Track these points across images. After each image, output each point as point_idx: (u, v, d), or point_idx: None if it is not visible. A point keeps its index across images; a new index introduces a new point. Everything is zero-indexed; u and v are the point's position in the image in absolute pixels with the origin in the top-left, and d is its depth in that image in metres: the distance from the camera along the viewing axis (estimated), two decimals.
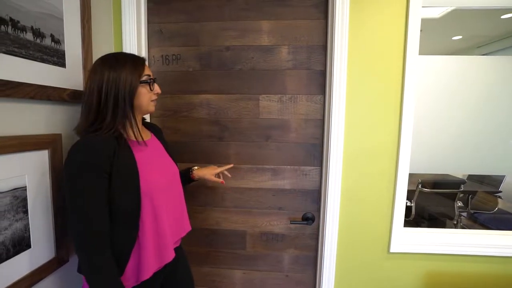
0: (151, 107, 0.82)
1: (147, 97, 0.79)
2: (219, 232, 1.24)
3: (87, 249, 0.66)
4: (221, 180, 1.08)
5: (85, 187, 0.66)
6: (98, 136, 0.71)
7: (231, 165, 1.14)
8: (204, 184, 1.21)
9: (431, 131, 1.20)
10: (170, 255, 0.81)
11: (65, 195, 0.68)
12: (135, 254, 0.74)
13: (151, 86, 0.80)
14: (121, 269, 0.72)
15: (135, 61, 0.77)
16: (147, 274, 0.74)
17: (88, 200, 0.66)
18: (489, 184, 2.40)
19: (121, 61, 0.75)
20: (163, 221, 0.78)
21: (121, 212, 0.71)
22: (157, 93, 0.83)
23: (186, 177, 1.04)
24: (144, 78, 0.78)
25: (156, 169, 0.81)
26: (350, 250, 1.14)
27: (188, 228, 0.94)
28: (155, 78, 0.82)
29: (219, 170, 1.09)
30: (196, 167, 1.07)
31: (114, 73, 0.73)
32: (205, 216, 1.24)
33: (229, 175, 1.13)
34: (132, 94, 0.75)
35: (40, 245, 0.79)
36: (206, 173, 1.06)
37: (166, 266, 0.82)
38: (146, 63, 0.81)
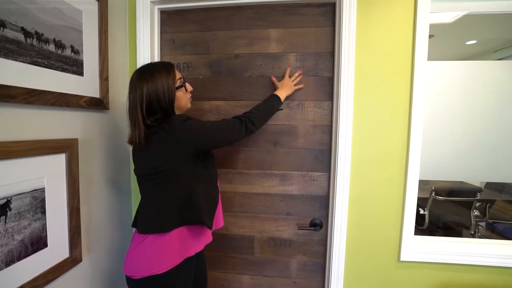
0: (188, 104, 0.95)
1: (184, 98, 0.91)
2: (227, 236, 1.26)
3: (244, 124, 0.91)
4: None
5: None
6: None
7: None
8: None
9: (444, 137, 1.18)
10: (221, 223, 1.03)
11: (204, 135, 0.86)
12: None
13: (185, 88, 0.90)
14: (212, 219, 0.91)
15: (167, 69, 0.85)
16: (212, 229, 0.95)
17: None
18: (508, 192, 2.30)
19: (155, 73, 0.83)
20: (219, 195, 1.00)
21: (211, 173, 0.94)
22: (191, 91, 0.94)
23: None
24: (178, 83, 0.87)
25: None
26: (359, 257, 1.12)
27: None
28: (184, 78, 0.92)
29: None
30: None
31: (152, 85, 0.82)
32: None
33: None
34: (172, 100, 0.85)
35: (56, 244, 0.83)
36: None
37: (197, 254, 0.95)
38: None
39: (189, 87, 0.93)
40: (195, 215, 0.86)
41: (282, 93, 1.08)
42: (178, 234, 0.86)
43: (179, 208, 0.85)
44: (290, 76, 1.13)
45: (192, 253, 0.91)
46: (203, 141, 0.86)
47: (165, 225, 0.84)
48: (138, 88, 0.82)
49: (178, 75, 0.88)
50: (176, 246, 0.85)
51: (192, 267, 0.94)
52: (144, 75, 0.83)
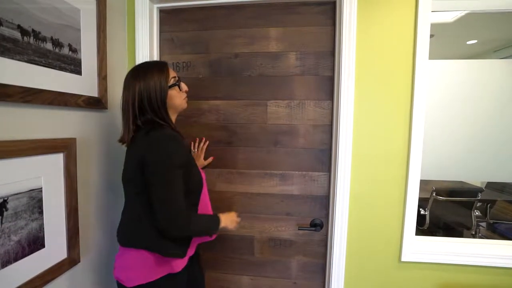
0: (184, 104, 0.91)
1: (178, 97, 0.87)
2: (227, 237, 1.25)
3: (183, 224, 0.78)
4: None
5: (174, 177, 0.77)
6: (174, 132, 0.82)
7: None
8: (211, 189, 1.22)
9: (445, 136, 1.17)
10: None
11: (155, 179, 0.76)
12: None
13: (179, 87, 0.86)
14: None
15: (159, 68, 0.83)
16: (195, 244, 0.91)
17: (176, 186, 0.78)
18: (509, 192, 2.29)
19: (147, 71, 0.81)
20: (208, 201, 0.94)
21: (191, 192, 0.85)
22: (186, 91, 0.90)
23: None
24: (171, 81, 0.84)
25: None
26: (360, 258, 1.11)
27: None
28: (180, 78, 0.89)
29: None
30: None
31: (144, 83, 0.79)
32: None
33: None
34: (164, 98, 0.82)
35: (53, 245, 0.82)
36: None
37: (191, 257, 0.91)
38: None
39: (184, 86, 0.89)
40: (163, 247, 0.79)
41: (224, 221, 0.91)
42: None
43: (149, 231, 0.79)
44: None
45: (178, 268, 0.84)
46: (150, 179, 0.76)
47: (137, 244, 0.80)
48: (131, 87, 0.80)
49: (172, 73, 0.85)
50: (158, 262, 0.81)
51: (185, 272, 0.88)
52: (137, 73, 0.82)
